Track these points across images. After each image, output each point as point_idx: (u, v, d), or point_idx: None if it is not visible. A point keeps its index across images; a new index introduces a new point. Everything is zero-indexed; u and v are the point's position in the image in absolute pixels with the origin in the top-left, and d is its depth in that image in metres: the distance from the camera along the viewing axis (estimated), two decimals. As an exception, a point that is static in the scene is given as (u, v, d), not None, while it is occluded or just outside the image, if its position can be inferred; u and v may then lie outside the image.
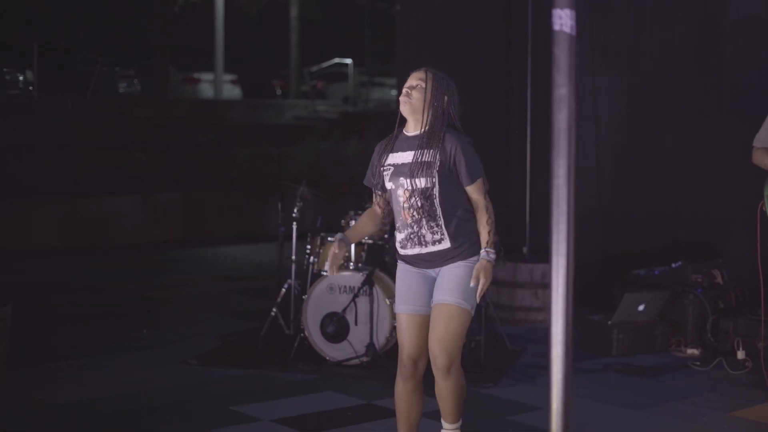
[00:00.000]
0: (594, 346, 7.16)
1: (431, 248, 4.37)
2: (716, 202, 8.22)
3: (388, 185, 4.46)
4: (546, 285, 7.84)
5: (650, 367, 6.82)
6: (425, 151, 4.34)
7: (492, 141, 9.22)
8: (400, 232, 4.45)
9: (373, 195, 4.68)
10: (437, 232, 4.34)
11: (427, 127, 4.40)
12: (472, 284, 4.29)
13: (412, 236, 4.39)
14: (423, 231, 4.36)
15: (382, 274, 6.80)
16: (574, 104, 2.09)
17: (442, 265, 4.39)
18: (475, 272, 4.30)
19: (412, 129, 4.47)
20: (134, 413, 5.68)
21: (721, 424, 5.56)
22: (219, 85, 25.06)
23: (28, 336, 7.33)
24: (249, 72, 27.96)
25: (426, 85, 4.40)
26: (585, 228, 8.47)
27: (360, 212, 7.04)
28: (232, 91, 25.77)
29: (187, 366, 6.78)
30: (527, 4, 8.78)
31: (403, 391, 4.48)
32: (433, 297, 4.38)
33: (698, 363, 6.85)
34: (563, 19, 2.07)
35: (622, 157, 8.85)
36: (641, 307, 7.20)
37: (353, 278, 6.69)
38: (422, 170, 4.32)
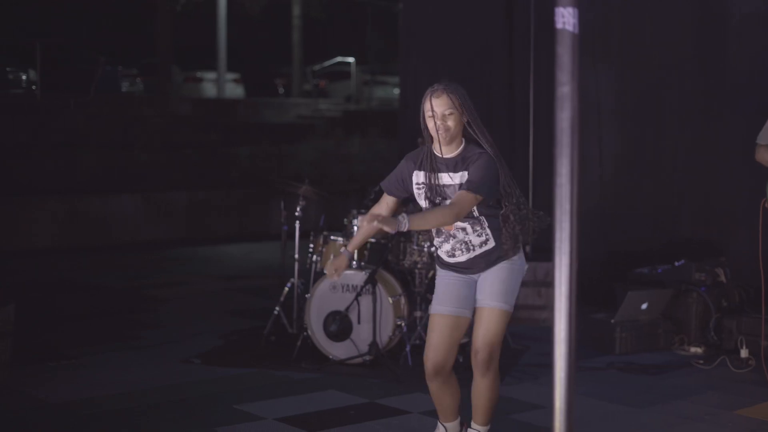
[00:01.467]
0: (597, 344, 7.16)
1: (479, 250, 4.54)
2: (719, 200, 8.21)
3: (423, 203, 4.60)
4: (549, 283, 7.84)
5: (653, 365, 6.81)
6: (460, 174, 4.47)
7: (494, 139, 9.21)
8: (444, 243, 4.59)
9: (383, 198, 4.77)
10: (482, 234, 4.51)
11: (461, 148, 4.52)
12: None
13: (459, 245, 4.55)
14: (469, 237, 4.52)
15: (385, 273, 6.80)
16: (576, 103, 2.09)
17: (485, 269, 4.56)
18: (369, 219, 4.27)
19: (445, 150, 4.52)
20: (136, 412, 5.69)
21: (724, 422, 5.55)
22: (222, 84, 25.09)
23: (29, 335, 7.34)
24: (252, 71, 28.00)
25: (455, 111, 4.44)
26: (588, 226, 8.46)
27: (363, 210, 7.04)
28: (234, 90, 25.80)
29: (189, 365, 6.78)
30: (529, 1, 8.78)
31: (431, 386, 4.68)
32: (478, 299, 4.56)
33: (701, 361, 6.85)
34: (566, 18, 2.07)
35: (625, 156, 8.85)
36: (644, 306, 7.20)
37: (356, 277, 6.69)
38: (457, 191, 4.46)
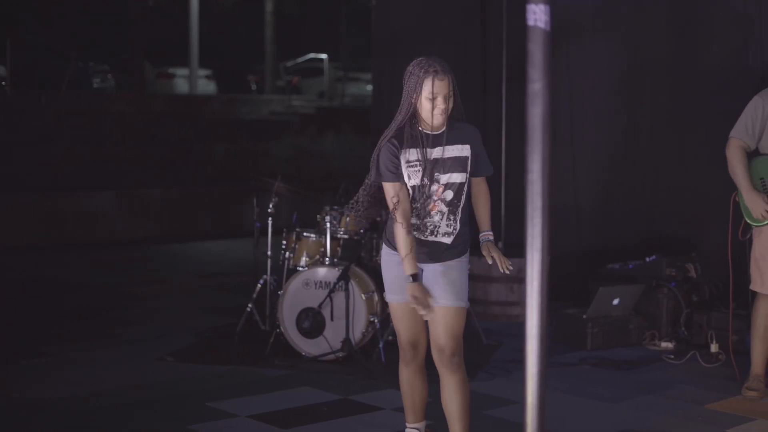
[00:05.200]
0: (569, 340, 7.19)
1: (440, 239, 4.46)
2: (690, 196, 8.26)
3: (417, 182, 4.39)
4: (521, 279, 7.84)
5: (625, 360, 6.86)
6: (459, 146, 4.44)
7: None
8: (423, 218, 4.45)
9: (393, 189, 4.41)
10: (451, 225, 4.46)
11: (445, 126, 4.44)
12: (489, 262, 4.54)
13: (428, 225, 4.45)
14: (442, 222, 4.45)
15: (358, 270, 6.80)
16: (548, 99, 2.10)
17: (434, 261, 4.47)
18: (486, 252, 4.54)
19: (431, 126, 4.41)
20: (109, 410, 5.66)
21: (694, 416, 5.60)
22: (194, 80, 24.99)
23: (5, 332, 7.29)
24: (224, 67, 27.90)
25: (450, 91, 4.38)
26: (560, 223, 8.51)
27: (336, 207, 7.04)
28: (207, 87, 25.71)
29: (162, 362, 6.76)
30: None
31: (405, 374, 4.65)
32: (435, 297, 4.41)
33: (672, 356, 6.90)
34: (537, 15, 2.08)
35: (597, 153, 8.88)
36: (616, 301, 7.24)
37: (329, 273, 6.69)
38: (458, 165, 4.43)
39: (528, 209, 2.12)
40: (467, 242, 4.56)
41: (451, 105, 4.39)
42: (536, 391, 2.14)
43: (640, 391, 6.11)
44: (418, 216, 4.45)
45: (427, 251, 4.46)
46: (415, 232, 4.43)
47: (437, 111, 4.35)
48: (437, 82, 4.32)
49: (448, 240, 4.47)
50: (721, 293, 7.56)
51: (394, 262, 4.49)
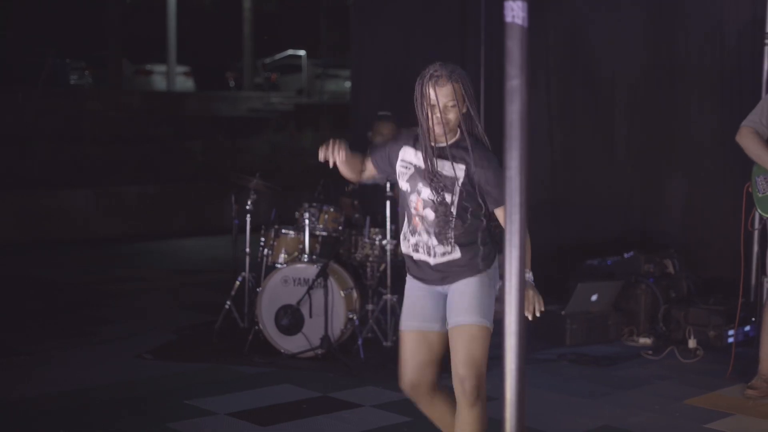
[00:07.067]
0: (548, 336, 7.21)
1: (440, 259, 4.09)
2: (668, 192, 8.30)
3: (403, 185, 4.16)
4: (500, 276, 7.86)
5: (603, 356, 6.88)
6: (453, 164, 4.03)
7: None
8: (410, 236, 4.17)
9: (366, 157, 4.34)
10: (447, 245, 4.07)
11: (455, 139, 4.06)
12: (530, 318, 3.98)
13: (421, 244, 4.12)
14: (433, 242, 4.09)
15: (336, 266, 6.80)
16: (526, 96, 2.10)
17: (453, 281, 4.11)
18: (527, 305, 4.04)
19: (440, 139, 4.05)
20: (87, 408, 5.63)
21: (672, 412, 5.62)
22: (172, 77, 24.88)
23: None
24: (202, 64, 27.79)
25: (457, 102, 3.98)
26: (538, 219, 8.52)
27: (315, 204, 7.02)
28: (185, 84, 25.59)
29: (141, 360, 6.74)
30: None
31: (425, 410, 4.24)
32: (450, 318, 4.08)
33: (650, 352, 6.92)
34: (515, 11, 2.08)
35: (575, 149, 8.91)
36: (594, 297, 7.26)
37: (308, 270, 6.68)
38: (444, 184, 4.03)
39: (507, 205, 2.12)
40: (477, 262, 4.11)
41: (453, 116, 3.99)
42: (515, 387, 2.14)
43: (619, 387, 6.13)
44: (411, 230, 4.15)
45: (440, 278, 4.13)
46: (422, 256, 4.14)
47: (435, 119, 3.99)
48: (438, 89, 3.95)
49: (450, 258, 4.08)
50: (700, 289, 7.60)
51: (413, 288, 4.22)
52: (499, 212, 4.05)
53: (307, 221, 6.90)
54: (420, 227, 4.11)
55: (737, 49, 7.76)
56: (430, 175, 4.04)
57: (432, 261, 4.11)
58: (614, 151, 8.67)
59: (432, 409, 4.20)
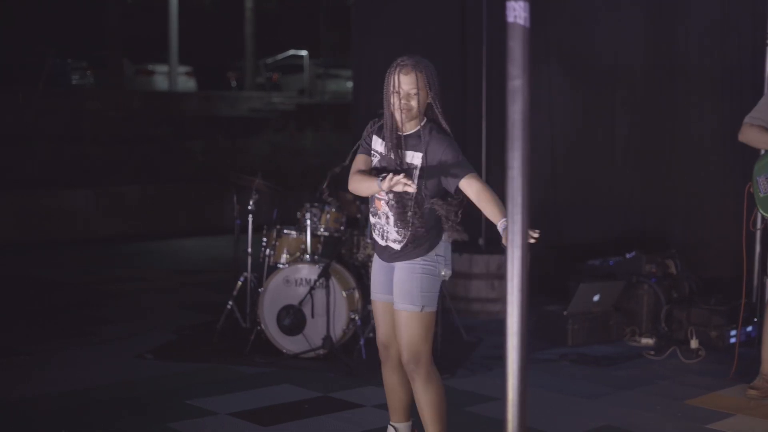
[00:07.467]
0: (549, 336, 7.21)
1: (390, 244, 4.40)
2: (670, 192, 8.30)
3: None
4: (502, 276, 7.87)
5: (605, 356, 6.87)
6: (411, 153, 4.28)
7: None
8: (372, 216, 4.50)
9: (359, 158, 4.53)
10: (400, 233, 4.35)
11: (420, 126, 4.30)
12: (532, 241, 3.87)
13: (378, 226, 4.45)
14: (388, 227, 4.38)
15: (338, 267, 6.79)
16: (528, 96, 2.10)
17: (397, 261, 4.41)
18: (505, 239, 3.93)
19: (405, 126, 4.32)
20: (87, 408, 5.63)
21: (674, 412, 5.61)
22: (174, 77, 24.87)
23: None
24: (204, 64, 27.80)
25: (419, 91, 4.21)
26: (540, 219, 8.52)
27: (316, 204, 7.02)
28: (186, 84, 25.59)
29: (142, 360, 6.73)
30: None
31: (384, 373, 4.62)
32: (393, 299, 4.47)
33: (652, 352, 6.91)
34: (517, 11, 2.08)
35: (577, 149, 8.91)
36: (596, 298, 7.26)
37: (309, 270, 6.68)
38: (407, 173, 4.23)
39: (508, 205, 2.12)
40: (424, 247, 4.34)
41: (415, 103, 4.22)
42: (517, 387, 2.14)
43: (621, 387, 6.12)
44: (373, 211, 4.47)
45: (388, 257, 4.46)
46: (377, 237, 4.49)
47: (403, 110, 4.22)
48: (402, 77, 4.20)
49: (396, 246, 4.38)
50: (701, 289, 7.60)
51: (376, 260, 4.57)
52: (464, 184, 4.22)
53: (308, 221, 6.90)
54: (380, 211, 4.39)
55: (737, 48, 7.77)
56: (393, 163, 4.29)
57: (382, 243, 4.43)
58: (614, 151, 8.67)
59: (392, 376, 4.56)
